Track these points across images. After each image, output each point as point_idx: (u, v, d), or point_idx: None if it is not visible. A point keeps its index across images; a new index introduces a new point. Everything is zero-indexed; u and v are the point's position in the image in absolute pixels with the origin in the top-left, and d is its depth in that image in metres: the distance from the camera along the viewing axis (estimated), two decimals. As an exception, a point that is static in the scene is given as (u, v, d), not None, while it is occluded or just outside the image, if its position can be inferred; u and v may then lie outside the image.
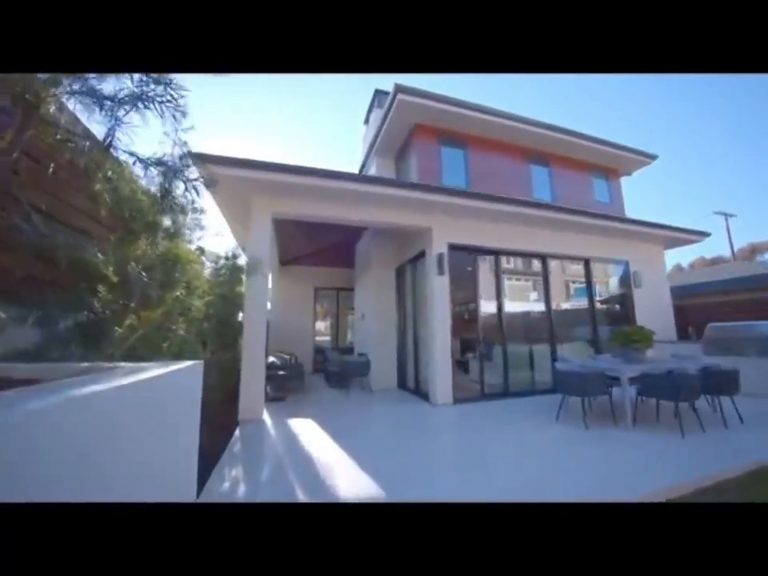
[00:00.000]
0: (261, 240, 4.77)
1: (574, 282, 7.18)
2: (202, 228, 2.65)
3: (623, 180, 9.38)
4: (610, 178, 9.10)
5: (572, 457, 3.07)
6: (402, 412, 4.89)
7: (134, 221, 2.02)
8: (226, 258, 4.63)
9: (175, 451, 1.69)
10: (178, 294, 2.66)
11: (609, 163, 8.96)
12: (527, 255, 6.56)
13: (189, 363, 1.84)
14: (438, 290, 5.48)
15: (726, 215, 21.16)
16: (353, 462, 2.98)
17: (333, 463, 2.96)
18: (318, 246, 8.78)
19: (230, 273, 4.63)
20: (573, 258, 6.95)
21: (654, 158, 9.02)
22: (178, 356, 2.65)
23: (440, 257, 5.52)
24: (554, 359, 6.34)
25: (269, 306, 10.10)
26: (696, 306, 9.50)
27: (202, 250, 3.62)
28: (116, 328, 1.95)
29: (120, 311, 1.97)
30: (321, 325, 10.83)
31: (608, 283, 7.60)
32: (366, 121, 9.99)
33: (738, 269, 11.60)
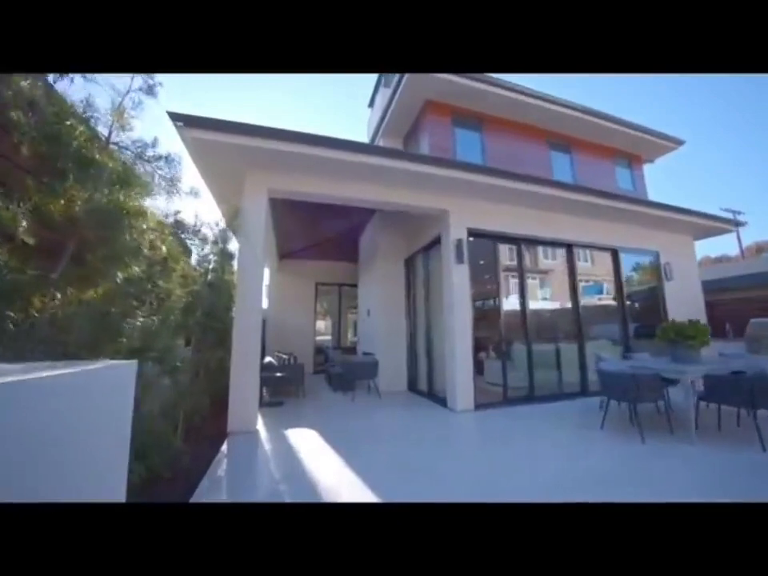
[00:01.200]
0: (255, 220, 4.12)
1: (581, 281, 6.55)
2: (173, 185, 1.98)
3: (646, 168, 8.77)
4: (632, 165, 8.47)
5: (644, 480, 2.42)
6: (418, 420, 4.24)
7: (63, 159, 1.39)
8: (214, 242, 3.98)
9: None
10: (136, 269, 2.02)
11: (632, 149, 8.33)
12: (551, 244, 5.92)
13: (114, 363, 1.20)
14: (458, 281, 4.83)
15: (735, 212, 20.58)
16: (367, 490, 2.33)
17: (342, 492, 2.31)
18: (320, 237, 8.15)
19: (219, 258, 3.98)
20: (600, 248, 6.31)
21: (680, 143, 8.40)
22: (140, 353, 2.02)
23: (459, 243, 4.88)
24: (583, 359, 5.71)
25: (266, 302, 9.50)
26: (725, 301, 8.88)
27: (178, 224, 2.99)
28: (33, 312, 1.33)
29: (31, 284, 1.34)
30: (321, 324, 10.18)
31: (626, 276, 6.97)
32: (371, 104, 9.35)
33: (754, 266, 11.00)
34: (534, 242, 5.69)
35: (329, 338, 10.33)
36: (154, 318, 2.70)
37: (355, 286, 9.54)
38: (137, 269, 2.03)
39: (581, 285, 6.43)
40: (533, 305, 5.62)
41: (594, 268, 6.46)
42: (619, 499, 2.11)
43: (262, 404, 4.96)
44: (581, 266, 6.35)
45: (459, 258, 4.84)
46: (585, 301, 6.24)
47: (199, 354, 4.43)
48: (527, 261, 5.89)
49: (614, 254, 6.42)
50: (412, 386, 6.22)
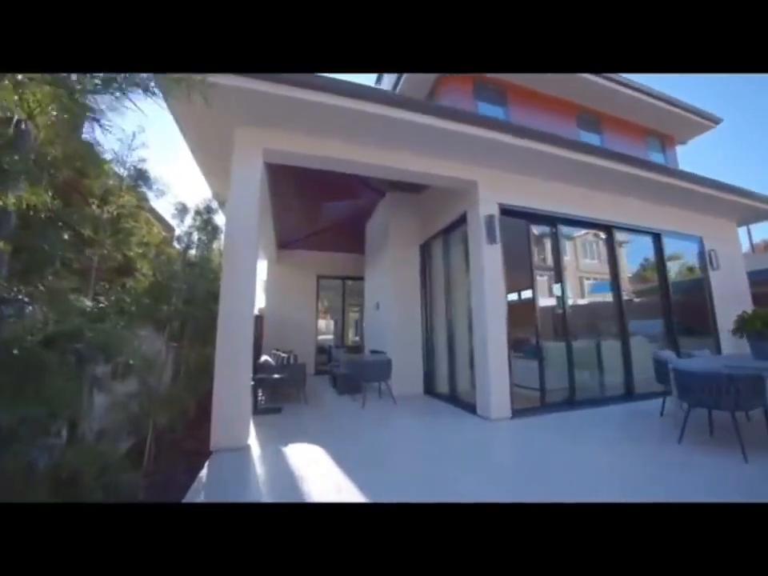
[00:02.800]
0: (247, 190, 3.35)
1: (588, 279, 5.81)
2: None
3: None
4: (665, 147, 7.74)
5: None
6: (449, 433, 3.46)
7: None
8: (197, 213, 3.22)
9: None
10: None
11: (665, 128, 7.60)
12: (590, 225, 5.16)
13: None
14: (489, 264, 4.07)
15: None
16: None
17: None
18: (322, 224, 7.38)
19: (205, 233, 3.22)
20: (641, 231, 5.56)
21: (716, 121, 7.68)
22: (50, 345, 1.25)
23: (490, 219, 4.12)
24: (627, 358, 4.96)
25: (263, 296, 8.73)
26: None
27: (141, 175, 2.21)
28: None
29: None
30: (321, 323, 9.40)
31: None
32: (378, 80, 8.60)
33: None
34: (571, 222, 4.93)
35: (330, 337, 9.57)
36: (101, 299, 1.93)
37: (360, 279, 8.77)
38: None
39: (588, 283, 5.72)
40: (545, 299, 4.88)
41: (602, 265, 5.71)
42: None
43: (257, 411, 4.18)
44: (587, 263, 5.67)
45: (491, 237, 4.08)
46: (593, 298, 5.52)
47: (179, 350, 3.66)
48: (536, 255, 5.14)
49: (657, 238, 5.68)
50: (429, 389, 5.45)
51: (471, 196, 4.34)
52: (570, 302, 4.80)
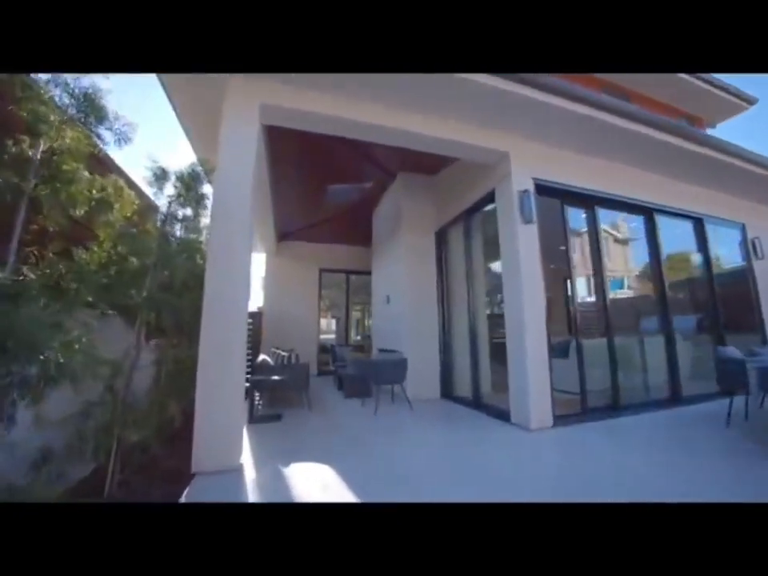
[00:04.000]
0: (241, 151, 2.76)
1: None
2: None
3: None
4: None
5: None
6: (485, 447, 2.87)
7: None
8: (179, 179, 2.62)
9: None
10: None
11: (695, 108, 7.04)
12: (629, 208, 4.58)
13: None
14: (525, 248, 3.49)
15: None
16: None
17: None
18: (325, 212, 6.79)
19: (189, 201, 2.62)
20: (682, 216, 4.99)
21: (752, 101, 7.13)
22: None
23: (525, 195, 3.54)
24: (672, 357, 4.38)
25: (259, 290, 8.12)
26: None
27: (90, 100, 1.60)
28: None
29: None
30: (323, 322, 8.81)
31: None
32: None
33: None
34: (611, 204, 4.35)
35: (331, 336, 8.99)
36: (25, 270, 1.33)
37: (364, 273, 8.20)
38: None
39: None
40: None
41: (610, 263, 5.11)
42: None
43: (253, 419, 3.59)
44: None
45: (527, 216, 3.49)
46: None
47: (163, 348, 3.06)
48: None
49: (699, 224, 5.11)
50: (446, 392, 4.86)
51: (501, 170, 3.76)
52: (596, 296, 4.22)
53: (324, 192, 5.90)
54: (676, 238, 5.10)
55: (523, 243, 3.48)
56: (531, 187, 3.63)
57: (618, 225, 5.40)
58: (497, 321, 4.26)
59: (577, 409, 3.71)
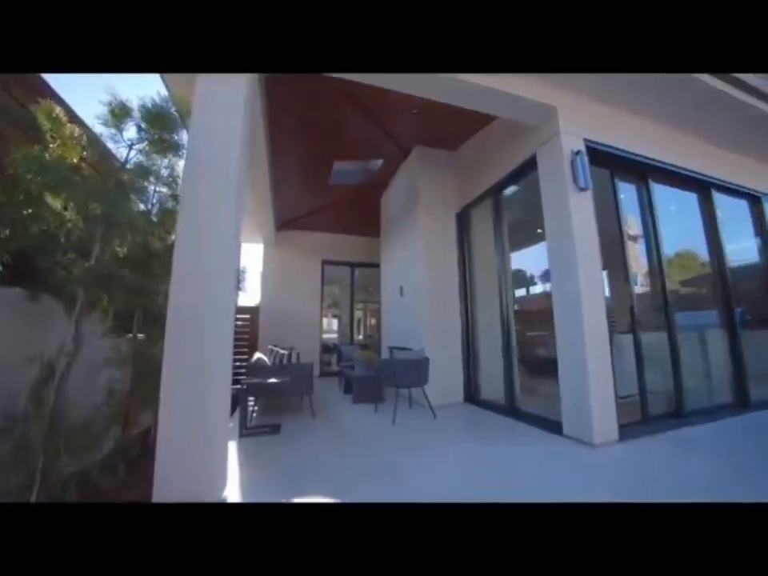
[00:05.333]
0: (227, 99, 2.12)
1: None
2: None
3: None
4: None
5: None
6: (547, 473, 2.22)
7: None
8: (143, 107, 1.96)
9: None
10: None
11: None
12: (685, 181, 3.94)
13: None
14: (579, 221, 2.85)
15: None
16: None
17: None
18: (329, 196, 6.16)
19: (157, 148, 1.97)
20: (743, 193, 4.35)
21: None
22: None
23: (578, 157, 2.90)
24: (736, 355, 3.75)
25: (257, 282, 7.44)
26: None
27: None
28: None
29: None
30: (323, 321, 8.17)
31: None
32: None
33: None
34: (666, 175, 3.71)
35: (332, 336, 8.35)
36: None
37: (371, 266, 7.56)
38: None
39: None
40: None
41: None
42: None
43: (245, 432, 2.93)
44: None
45: (581, 181, 2.85)
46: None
47: (116, 336, 2.42)
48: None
49: (757, 203, 4.49)
50: (471, 397, 4.22)
51: (546, 130, 3.12)
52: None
53: (329, 171, 5.26)
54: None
55: (577, 216, 2.84)
56: (584, 149, 3.00)
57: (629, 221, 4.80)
58: (536, 313, 3.63)
59: (635, 416, 3.07)
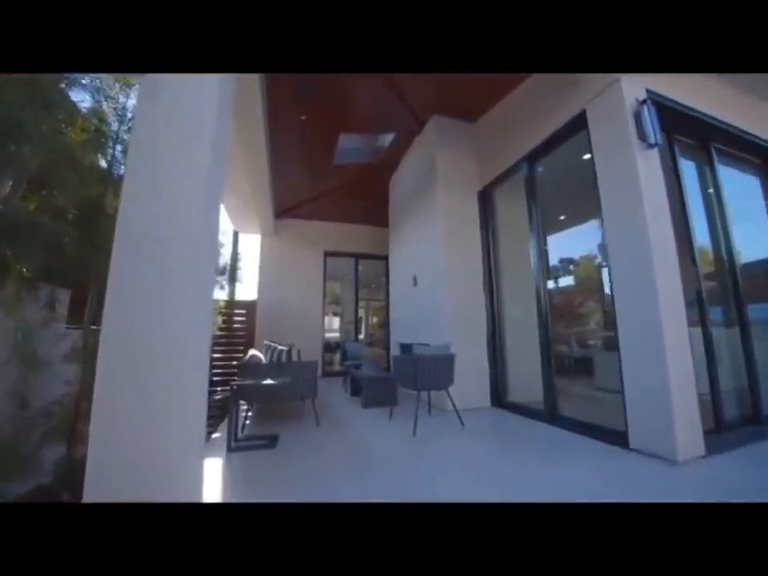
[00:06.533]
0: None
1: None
2: None
3: None
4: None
5: None
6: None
7: None
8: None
9: None
10: None
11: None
12: (750, 148, 3.40)
13: None
14: (649, 184, 2.31)
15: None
16: None
17: None
18: (333, 178, 5.62)
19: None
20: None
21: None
22: None
23: (644, 108, 2.36)
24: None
25: (254, 276, 6.85)
26: None
27: None
28: None
29: None
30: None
31: None
32: None
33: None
34: (731, 140, 3.17)
35: (332, 335, 7.80)
36: None
37: (377, 258, 7.04)
38: None
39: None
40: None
41: None
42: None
43: (235, 446, 2.38)
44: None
45: (650, 135, 2.31)
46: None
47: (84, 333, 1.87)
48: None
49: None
50: (499, 400, 3.66)
51: (600, 79, 2.58)
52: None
53: (333, 149, 4.72)
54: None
55: (646, 178, 2.30)
56: (647, 99, 2.46)
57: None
58: (569, 305, 3.08)
59: (707, 424, 2.53)
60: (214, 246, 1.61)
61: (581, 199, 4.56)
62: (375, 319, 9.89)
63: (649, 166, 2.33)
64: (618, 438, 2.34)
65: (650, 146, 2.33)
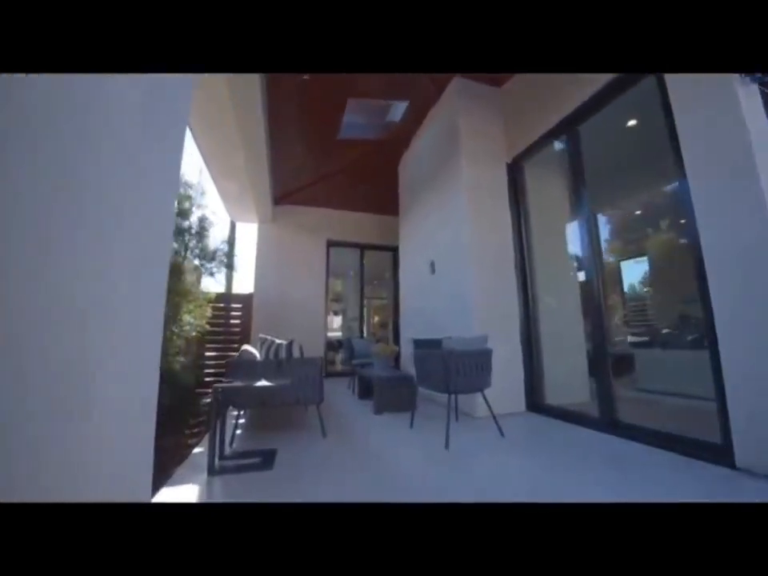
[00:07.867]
0: None
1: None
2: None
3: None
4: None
5: None
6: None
7: None
8: None
9: None
10: None
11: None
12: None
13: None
14: (756, 126, 1.79)
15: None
16: None
17: None
18: (337, 160, 5.10)
19: None
20: None
21: None
22: None
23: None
24: None
25: (250, 266, 6.32)
26: None
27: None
28: None
29: None
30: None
31: None
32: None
33: None
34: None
35: (333, 334, 7.29)
36: None
37: (384, 249, 6.54)
38: None
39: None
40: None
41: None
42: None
43: (219, 466, 1.84)
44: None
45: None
46: None
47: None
48: None
49: None
50: (536, 404, 3.13)
51: None
52: None
53: (338, 121, 4.20)
54: None
55: (753, 119, 1.78)
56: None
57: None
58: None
59: None
60: (169, 214, 1.09)
61: (627, 174, 4.04)
62: (377, 318, 9.48)
63: (754, 106, 1.82)
64: (713, 453, 1.82)
65: (753, 80, 1.82)
